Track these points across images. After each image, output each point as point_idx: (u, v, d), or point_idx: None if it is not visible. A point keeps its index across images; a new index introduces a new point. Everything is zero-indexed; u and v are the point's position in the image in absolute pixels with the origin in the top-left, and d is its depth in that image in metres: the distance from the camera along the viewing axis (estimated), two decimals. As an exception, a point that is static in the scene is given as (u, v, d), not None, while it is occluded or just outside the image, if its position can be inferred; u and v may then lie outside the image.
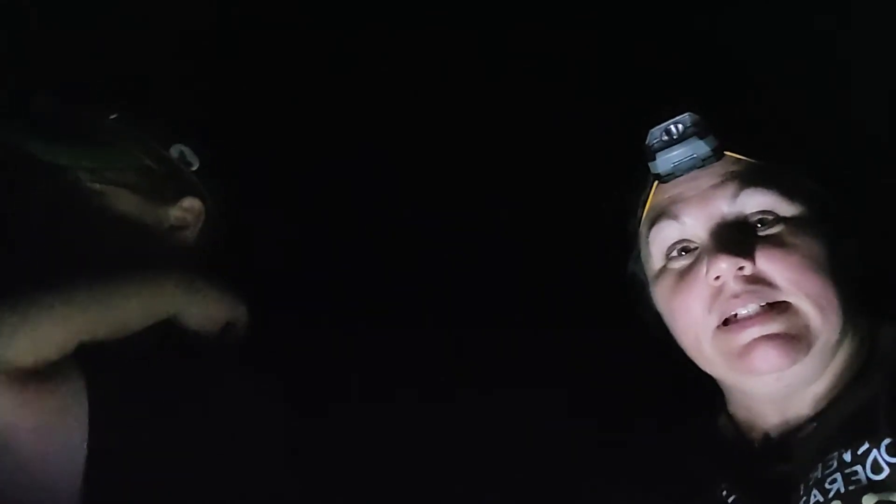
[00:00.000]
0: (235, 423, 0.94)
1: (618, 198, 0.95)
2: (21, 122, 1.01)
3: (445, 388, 1.18)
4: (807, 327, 0.79)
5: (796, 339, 0.79)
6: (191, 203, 1.06)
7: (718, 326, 0.82)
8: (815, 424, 0.82)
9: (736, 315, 0.81)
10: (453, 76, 1.30)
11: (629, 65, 1.16)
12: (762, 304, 0.80)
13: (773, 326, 0.79)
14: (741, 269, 0.79)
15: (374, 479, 1.05)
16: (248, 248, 1.13)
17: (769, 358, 0.79)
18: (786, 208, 0.82)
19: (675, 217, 0.85)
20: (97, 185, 1.01)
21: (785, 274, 0.79)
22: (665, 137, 0.85)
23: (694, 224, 0.84)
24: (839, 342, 0.82)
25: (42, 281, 0.88)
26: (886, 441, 0.73)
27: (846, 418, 0.79)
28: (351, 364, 1.18)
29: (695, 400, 0.97)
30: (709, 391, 0.94)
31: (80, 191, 1.00)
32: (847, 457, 0.75)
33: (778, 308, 0.79)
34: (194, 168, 1.08)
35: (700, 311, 0.83)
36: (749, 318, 0.80)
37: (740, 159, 0.85)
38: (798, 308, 0.80)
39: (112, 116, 1.05)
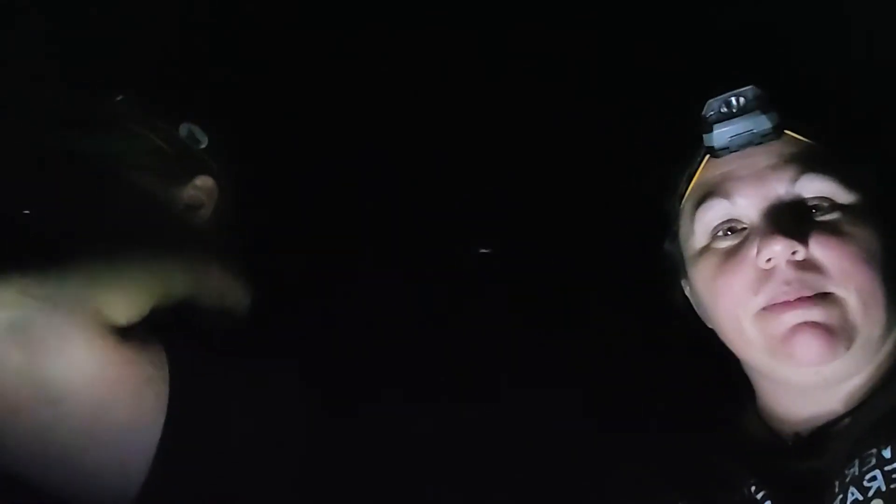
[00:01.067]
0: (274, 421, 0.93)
1: (659, 175, 0.92)
2: (47, 113, 1.02)
3: (464, 389, 1.15)
4: (849, 321, 0.77)
5: (838, 333, 0.76)
6: (203, 181, 1.06)
7: (761, 309, 0.79)
8: (849, 420, 0.79)
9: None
10: (487, 40, 1.27)
11: (686, 33, 1.13)
12: (810, 293, 0.76)
13: (816, 314, 0.76)
14: (794, 252, 0.76)
15: (395, 479, 1.02)
16: (262, 233, 1.12)
17: (811, 347, 0.76)
18: (844, 196, 0.80)
19: (726, 195, 0.82)
20: (121, 169, 1.01)
21: (838, 263, 0.77)
22: (724, 109, 0.82)
23: (746, 204, 0.81)
24: (882, 339, 0.79)
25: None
26: None
27: (885, 414, 0.76)
28: (372, 361, 1.16)
29: (722, 395, 0.94)
30: (737, 385, 0.91)
31: (111, 175, 1.00)
32: (887, 453, 0.72)
33: (825, 299, 0.76)
34: (203, 146, 1.07)
35: (744, 292, 0.80)
36: (791, 303, 0.77)
37: (799, 140, 0.82)
38: (844, 301, 0.77)
39: (118, 98, 1.05)
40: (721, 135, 0.82)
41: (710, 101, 0.84)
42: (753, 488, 0.80)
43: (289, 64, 1.29)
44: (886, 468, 0.71)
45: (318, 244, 1.26)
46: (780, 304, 0.77)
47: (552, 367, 1.13)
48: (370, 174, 1.29)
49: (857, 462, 0.73)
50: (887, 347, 0.80)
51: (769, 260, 0.77)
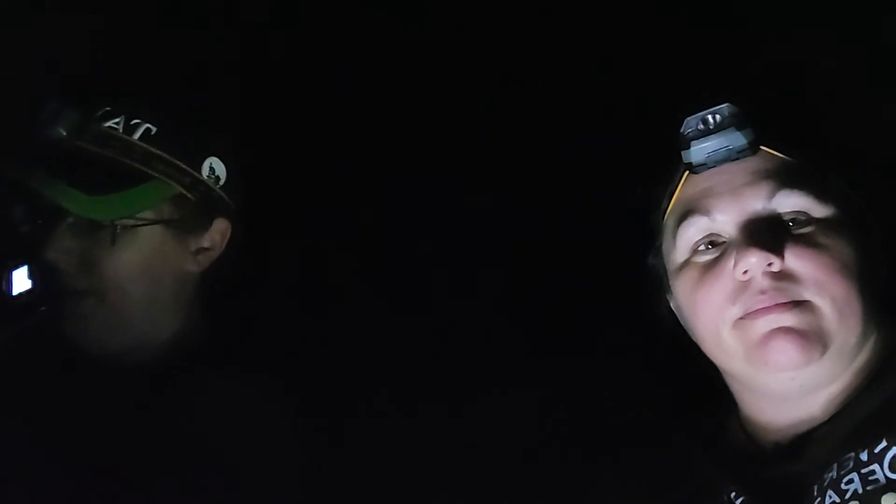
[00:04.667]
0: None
1: (643, 190, 0.94)
2: (57, 173, 0.99)
3: (450, 396, 1.17)
4: (824, 329, 0.79)
5: (812, 338, 0.78)
6: (219, 225, 1.08)
7: (739, 318, 0.81)
8: (828, 426, 0.81)
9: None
10: (471, 69, 1.30)
11: (664, 52, 1.16)
12: (785, 300, 0.79)
13: (790, 319, 0.78)
14: (770, 264, 0.79)
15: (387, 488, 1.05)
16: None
17: (785, 351, 0.78)
18: (819, 209, 0.82)
19: (706, 212, 0.84)
20: (130, 225, 1.01)
21: (813, 274, 0.79)
22: (701, 126, 0.84)
23: (725, 220, 0.83)
24: (858, 346, 0.81)
25: None
26: None
27: (862, 419, 0.78)
28: (366, 373, 1.18)
29: (703, 403, 0.96)
30: (717, 393, 0.93)
31: (112, 236, 1.00)
32: (864, 456, 0.74)
33: (800, 306, 0.79)
34: (222, 183, 1.08)
35: (722, 302, 0.82)
36: (767, 308, 0.79)
37: (775, 156, 0.84)
38: (820, 309, 0.79)
39: (141, 136, 1.03)
40: (698, 151, 0.84)
41: (688, 118, 0.86)
42: (733, 495, 0.81)
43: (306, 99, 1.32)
44: (863, 471, 0.73)
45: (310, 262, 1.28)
46: (756, 311, 0.79)
47: (533, 377, 1.15)
48: (386, 182, 1.31)
49: (835, 466, 0.75)
50: (864, 355, 0.82)
51: (746, 272, 0.80)
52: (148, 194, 1.02)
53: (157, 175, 1.02)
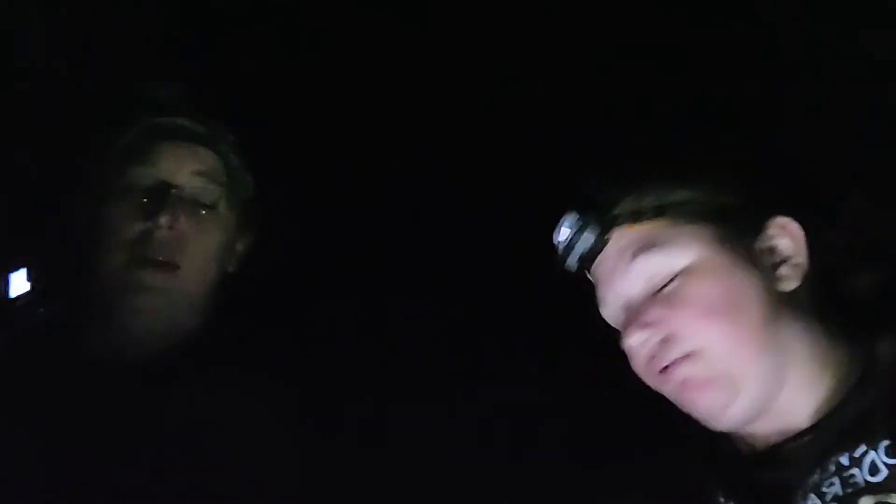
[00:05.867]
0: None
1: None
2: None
3: (450, 396, 1.18)
4: (719, 368, 0.80)
5: (714, 381, 0.80)
6: (246, 239, 1.13)
7: (658, 372, 0.84)
8: (812, 434, 0.81)
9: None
10: (471, 69, 1.31)
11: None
12: (678, 356, 0.82)
13: (692, 370, 0.81)
14: (646, 340, 0.82)
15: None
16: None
17: (701, 401, 0.81)
18: (676, 261, 0.83)
19: (603, 304, 0.89)
20: (227, 211, 1.08)
21: (683, 327, 0.81)
22: (563, 240, 0.89)
23: (613, 303, 0.87)
24: (779, 368, 0.81)
25: None
26: (885, 443, 0.73)
27: (844, 426, 0.78)
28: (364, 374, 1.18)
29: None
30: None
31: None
32: (844, 460, 0.75)
33: (692, 356, 0.81)
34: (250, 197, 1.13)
35: (643, 368, 0.85)
36: (672, 365, 0.82)
37: (626, 231, 0.86)
38: (709, 352, 0.81)
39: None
40: (571, 263, 0.90)
41: (554, 239, 0.91)
42: (722, 500, 0.83)
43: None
44: (844, 475, 0.74)
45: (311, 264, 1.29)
46: (668, 368, 0.82)
47: (528, 380, 1.16)
48: (382, 190, 1.33)
49: (818, 471, 0.76)
50: (844, 361, 0.82)
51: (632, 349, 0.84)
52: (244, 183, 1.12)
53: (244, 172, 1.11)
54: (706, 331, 0.80)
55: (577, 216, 0.88)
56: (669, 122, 1.13)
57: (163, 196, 1.02)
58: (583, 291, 0.88)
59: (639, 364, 0.85)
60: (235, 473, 0.95)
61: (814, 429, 0.81)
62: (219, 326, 1.08)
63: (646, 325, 0.82)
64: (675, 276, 0.83)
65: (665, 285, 0.83)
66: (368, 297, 1.29)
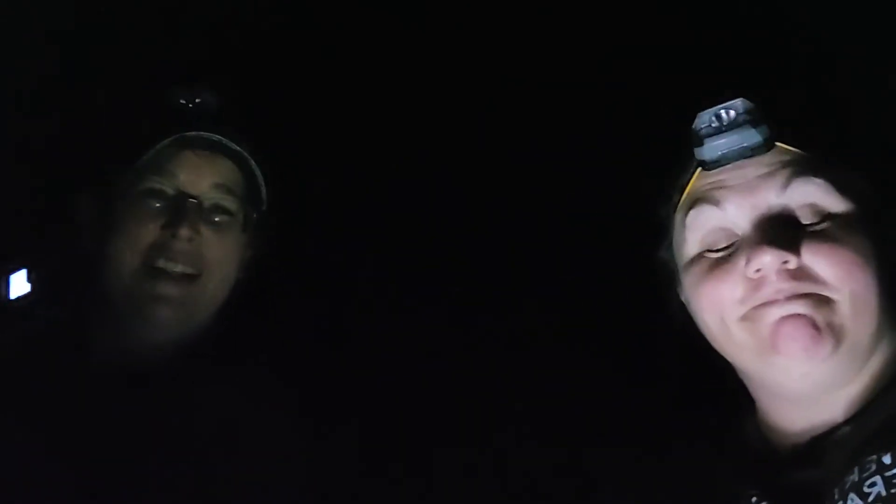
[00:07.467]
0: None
1: (655, 184, 0.92)
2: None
3: (451, 396, 1.16)
4: (837, 324, 0.77)
5: (823, 329, 0.76)
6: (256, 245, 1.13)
7: (750, 308, 0.79)
8: (848, 428, 0.79)
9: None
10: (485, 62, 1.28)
11: (675, 48, 1.14)
12: (808, 291, 0.77)
13: (802, 307, 0.76)
14: (785, 262, 0.77)
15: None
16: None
17: (795, 338, 0.76)
18: (835, 203, 0.80)
19: (716, 203, 0.82)
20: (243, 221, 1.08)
21: (830, 269, 0.77)
22: (715, 123, 0.82)
23: (737, 213, 0.81)
24: (875, 346, 0.79)
25: None
26: None
27: (885, 421, 0.76)
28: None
29: (722, 407, 0.95)
30: (736, 397, 0.92)
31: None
32: (887, 459, 0.72)
33: (815, 297, 0.77)
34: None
35: (730, 297, 0.80)
36: (777, 300, 0.77)
37: (791, 150, 0.82)
38: (836, 303, 0.77)
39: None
40: (712, 149, 0.82)
41: (701, 114, 0.83)
42: (755, 499, 0.80)
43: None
44: (887, 474, 0.71)
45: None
46: (768, 303, 0.78)
47: (550, 375, 1.14)
48: (392, 193, 1.32)
49: (856, 469, 0.74)
50: (883, 356, 0.80)
51: (759, 270, 0.78)
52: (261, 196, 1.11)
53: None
54: (850, 281, 0.76)
55: (752, 107, 0.81)
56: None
57: (183, 207, 1.01)
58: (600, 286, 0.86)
59: (738, 288, 0.79)
60: (241, 476, 0.94)
61: (850, 423, 0.79)
62: (223, 329, 1.07)
63: (789, 248, 0.76)
64: (828, 216, 0.79)
65: (817, 222, 0.79)
66: (374, 298, 1.28)
